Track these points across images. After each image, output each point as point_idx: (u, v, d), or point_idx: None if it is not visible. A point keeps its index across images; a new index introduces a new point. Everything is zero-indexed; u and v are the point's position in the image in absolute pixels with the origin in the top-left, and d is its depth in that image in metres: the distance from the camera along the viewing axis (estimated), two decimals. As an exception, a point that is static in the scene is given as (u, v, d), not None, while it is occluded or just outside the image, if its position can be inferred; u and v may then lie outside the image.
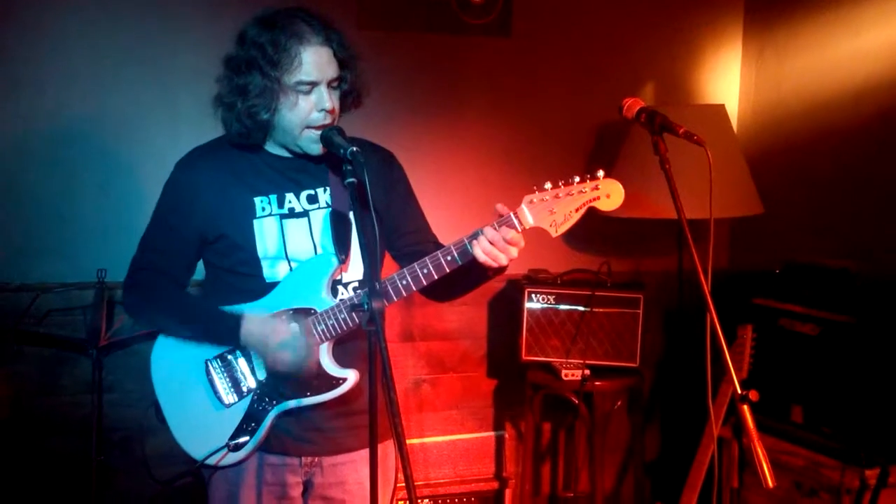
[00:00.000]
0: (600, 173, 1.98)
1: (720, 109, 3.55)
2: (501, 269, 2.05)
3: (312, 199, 2.19)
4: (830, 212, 3.60)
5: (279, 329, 2.09)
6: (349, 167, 1.92)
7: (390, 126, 2.43)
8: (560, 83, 3.88)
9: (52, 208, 3.31)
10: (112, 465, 3.36)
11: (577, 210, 1.98)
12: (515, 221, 1.98)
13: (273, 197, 2.17)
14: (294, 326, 2.09)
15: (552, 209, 1.97)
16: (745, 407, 1.85)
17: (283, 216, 2.16)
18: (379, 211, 2.20)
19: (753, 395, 1.87)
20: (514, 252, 1.99)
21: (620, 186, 1.99)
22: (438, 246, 2.19)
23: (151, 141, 3.35)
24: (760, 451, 1.83)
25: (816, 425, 3.10)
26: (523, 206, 1.98)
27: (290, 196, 2.17)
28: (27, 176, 3.28)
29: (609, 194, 1.98)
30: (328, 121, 2.08)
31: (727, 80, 4.11)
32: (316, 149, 2.09)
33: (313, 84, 2.04)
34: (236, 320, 2.11)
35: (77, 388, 3.31)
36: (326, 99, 2.05)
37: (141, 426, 2.83)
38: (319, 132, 2.07)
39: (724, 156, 3.35)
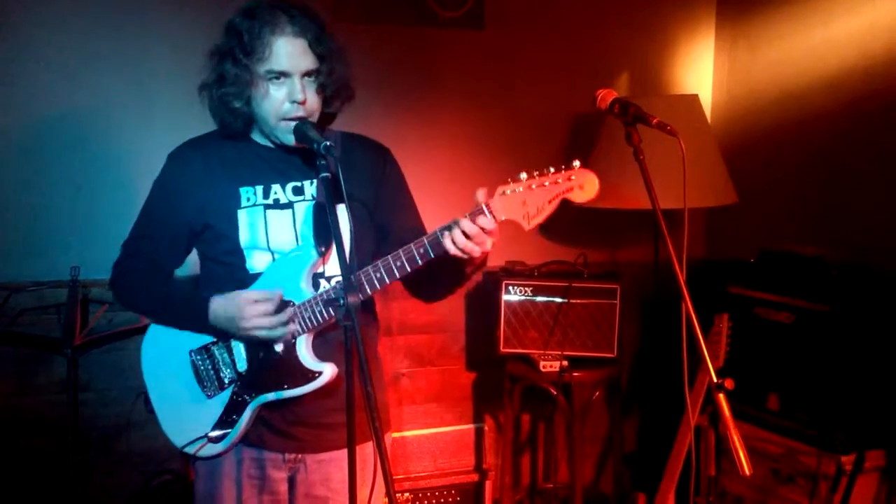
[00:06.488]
0: (576, 163, 1.90)
1: (694, 100, 3.56)
2: (477, 264, 2.02)
3: (298, 191, 2.17)
4: (804, 200, 3.63)
5: (246, 302, 2.07)
6: (322, 161, 1.90)
7: (364, 119, 2.41)
8: (534, 75, 3.88)
9: (23, 205, 3.27)
10: (89, 464, 3.34)
11: (549, 202, 1.89)
12: (487, 212, 1.91)
13: (259, 188, 2.15)
14: (264, 293, 2.07)
15: (524, 200, 1.89)
16: (721, 395, 1.85)
17: (266, 207, 2.15)
18: (368, 207, 2.20)
19: (729, 383, 1.88)
20: (487, 244, 1.92)
21: (595, 177, 1.90)
22: None
23: (124, 137, 3.32)
24: (737, 439, 1.83)
25: (792, 412, 3.12)
26: (495, 197, 1.91)
27: (276, 187, 2.16)
28: (-2, 173, 3.24)
29: (583, 185, 1.89)
30: (300, 113, 2.05)
31: (700, 70, 4.13)
32: (290, 139, 2.07)
33: (284, 74, 2.03)
34: (204, 302, 2.11)
35: (53, 387, 3.28)
36: (298, 90, 2.03)
37: (128, 419, 2.82)
38: (292, 125, 2.05)
39: (698, 146, 3.36)
